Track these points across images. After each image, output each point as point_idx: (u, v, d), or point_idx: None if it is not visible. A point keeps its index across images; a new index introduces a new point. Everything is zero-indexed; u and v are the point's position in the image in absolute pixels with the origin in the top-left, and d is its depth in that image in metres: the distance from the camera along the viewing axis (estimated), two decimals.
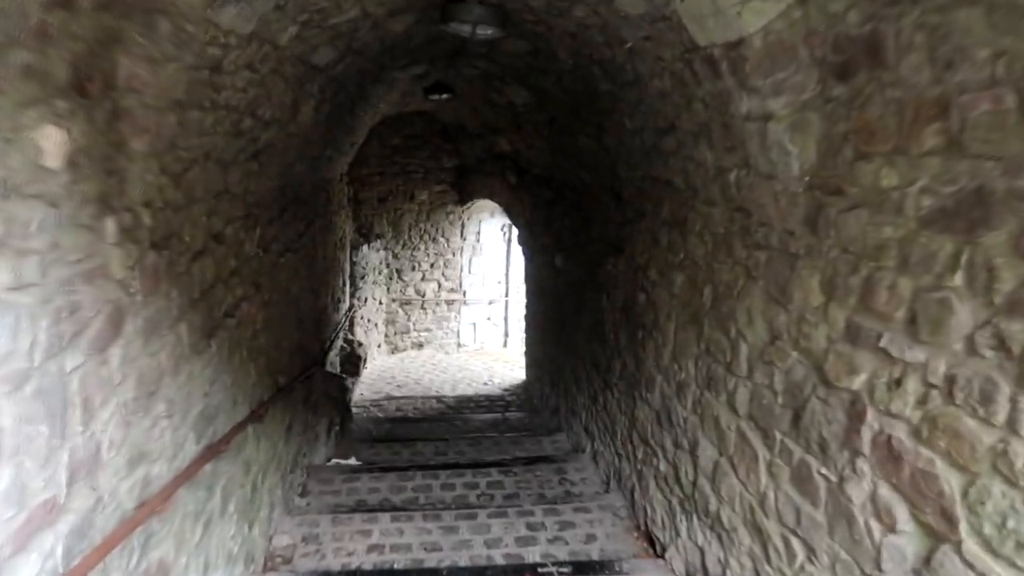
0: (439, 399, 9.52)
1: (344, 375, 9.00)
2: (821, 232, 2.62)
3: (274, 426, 4.80)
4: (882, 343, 2.27)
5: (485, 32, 4.34)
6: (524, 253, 10.21)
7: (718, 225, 3.57)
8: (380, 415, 8.84)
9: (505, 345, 13.43)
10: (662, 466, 4.42)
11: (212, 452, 3.31)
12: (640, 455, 4.87)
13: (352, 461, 6.45)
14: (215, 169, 3.39)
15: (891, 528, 2.23)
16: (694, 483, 3.88)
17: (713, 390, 3.60)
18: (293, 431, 5.52)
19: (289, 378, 5.36)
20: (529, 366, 10.22)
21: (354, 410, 8.86)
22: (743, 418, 3.26)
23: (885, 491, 2.26)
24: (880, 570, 2.28)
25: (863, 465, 2.37)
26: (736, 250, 3.35)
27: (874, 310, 2.32)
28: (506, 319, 13.43)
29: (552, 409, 8.28)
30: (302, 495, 5.63)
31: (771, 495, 2.99)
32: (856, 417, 2.41)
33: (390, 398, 9.58)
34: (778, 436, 2.93)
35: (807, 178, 2.70)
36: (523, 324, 10.45)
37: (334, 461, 6.44)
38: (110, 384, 2.28)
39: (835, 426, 2.53)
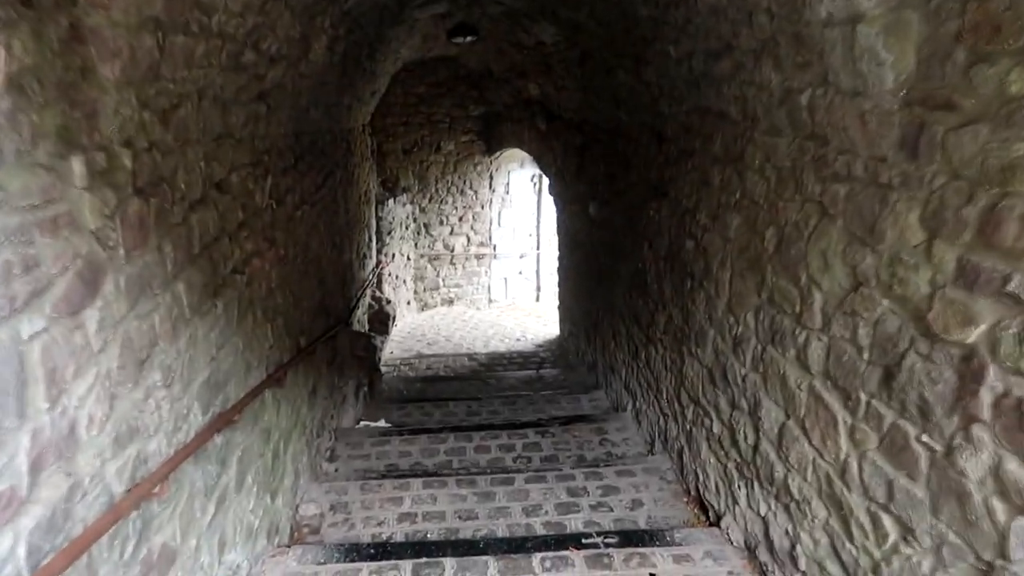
0: (471, 356, 9.22)
1: (372, 334, 8.72)
2: (923, 156, 2.17)
3: (296, 390, 4.51)
4: (1010, 287, 1.85)
5: None
6: (555, 203, 9.77)
7: (784, 158, 3.12)
8: (411, 374, 8.58)
9: (537, 300, 13.08)
10: (716, 427, 4.04)
11: (223, 422, 3.00)
12: (690, 415, 4.50)
13: (382, 423, 6.19)
14: (212, 108, 3.01)
15: (1023, 510, 1.83)
16: (755, 447, 3.50)
17: (778, 345, 3.19)
18: (318, 394, 5.24)
19: (311, 339, 5.05)
20: (563, 321, 9.86)
21: (383, 369, 8.61)
22: (817, 376, 2.85)
23: (1014, 465, 1.86)
24: (1006, 558, 1.89)
25: (981, 433, 1.97)
26: (808, 185, 2.90)
27: (998, 247, 1.89)
28: (538, 273, 13.04)
29: (589, 365, 7.93)
30: (330, 460, 5.37)
31: (854, 464, 2.60)
32: (971, 376, 2.00)
33: (420, 356, 9.31)
34: (863, 398, 2.52)
35: (904, 92, 2.24)
36: (556, 278, 10.06)
37: (363, 424, 6.18)
38: (87, 352, 1.95)
39: (941, 386, 2.12)
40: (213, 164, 3.08)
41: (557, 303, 10.15)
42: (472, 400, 7.00)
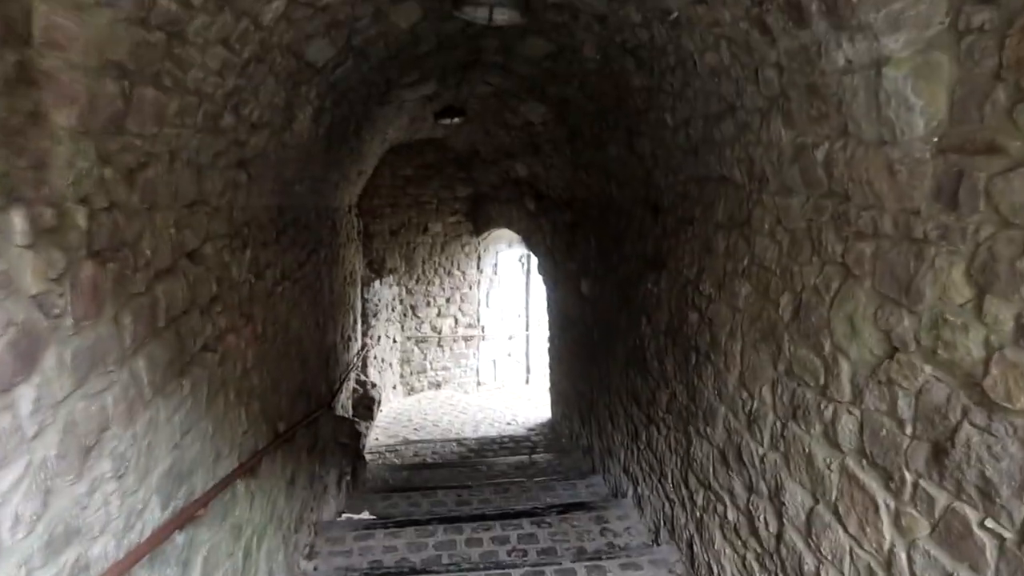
0: (459, 442, 8.82)
1: (356, 419, 8.34)
2: (964, 206, 1.97)
3: (273, 480, 4.15)
4: None
5: (503, 16, 3.77)
6: (545, 283, 9.60)
7: (797, 219, 2.93)
8: (396, 461, 8.15)
9: (527, 382, 12.74)
10: (731, 514, 3.71)
11: (186, 517, 2.66)
12: (700, 500, 4.17)
13: (365, 515, 5.76)
14: (186, 172, 2.80)
15: None
16: (778, 536, 3.17)
17: (801, 421, 2.92)
18: (297, 484, 4.86)
19: (291, 423, 4.72)
20: (555, 403, 9.52)
21: (368, 457, 8.18)
22: (850, 454, 2.58)
23: None
24: None
25: None
26: (827, 245, 2.70)
27: None
28: (527, 354, 12.75)
29: (584, 449, 7.56)
30: (309, 557, 4.94)
31: (901, 555, 2.30)
32: None
33: (407, 442, 8.90)
34: (909, 478, 2.24)
35: (937, 138, 2.07)
36: (547, 359, 9.78)
37: (345, 516, 5.75)
38: (17, 437, 1.65)
39: (1006, 463, 1.85)
40: (185, 231, 2.84)
41: (548, 385, 9.83)
42: (462, 488, 6.59)
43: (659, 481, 5.00)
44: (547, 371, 13.12)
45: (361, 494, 6.50)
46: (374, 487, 6.92)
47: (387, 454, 8.37)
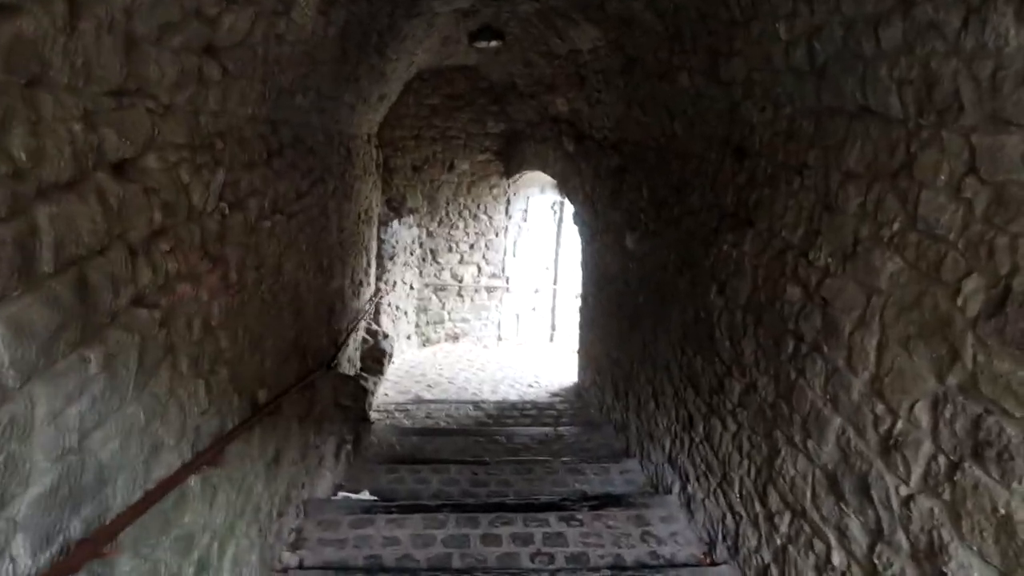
0: (476, 404, 8.00)
1: (364, 375, 7.52)
2: None
3: (247, 465, 3.31)
4: None
5: None
6: (581, 234, 8.63)
7: (1015, 165, 1.95)
8: (406, 423, 7.35)
9: (552, 340, 11.86)
10: (837, 558, 2.81)
11: (86, 554, 1.80)
12: (784, 527, 3.27)
13: (365, 495, 4.95)
14: (106, 40, 1.86)
15: None
16: None
17: (992, 465, 1.99)
18: (283, 461, 4.04)
19: (278, 390, 3.86)
20: (584, 367, 8.65)
21: (375, 416, 7.40)
22: None
23: None
24: None
25: None
26: None
27: None
28: (553, 310, 11.85)
29: (617, 425, 6.70)
30: (294, 547, 4.14)
31: None
32: None
33: (419, 401, 8.09)
34: None
35: None
36: (577, 317, 8.88)
37: (342, 494, 4.95)
38: None
39: None
40: (104, 131, 1.91)
41: (577, 346, 8.95)
42: (478, 464, 5.77)
43: (719, 486, 4.12)
44: (576, 331, 12.25)
45: (363, 464, 5.69)
46: (379, 454, 6.12)
47: (396, 413, 7.58)
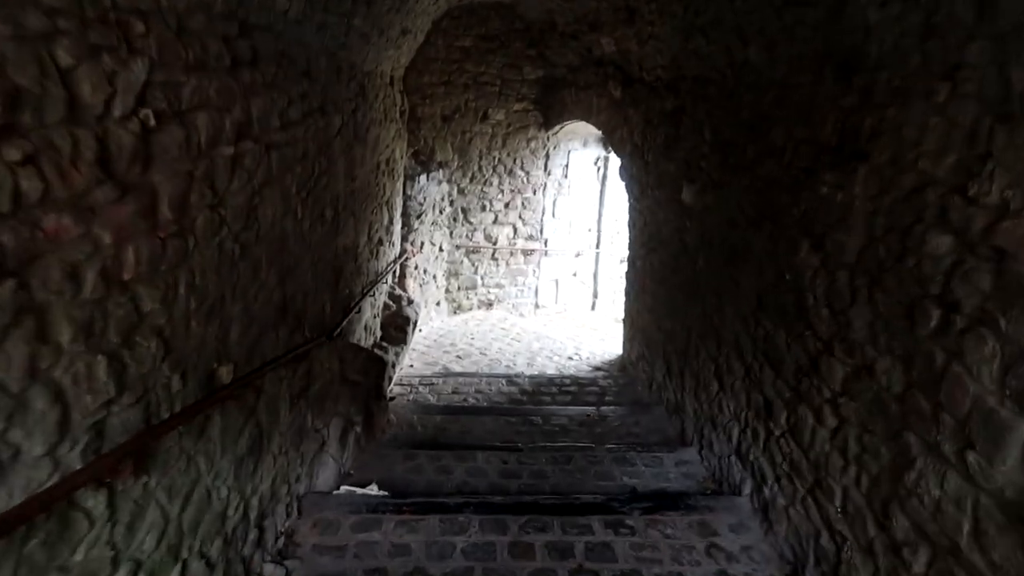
0: (510, 379, 7.18)
1: (384, 343, 6.75)
2: None
3: (201, 463, 2.52)
4: None
5: None
6: (628, 190, 7.69)
7: None
8: (431, 399, 6.57)
9: (593, 308, 10.98)
10: None
11: None
12: (922, 567, 2.39)
13: (372, 490, 4.18)
14: None
15: None
16: None
17: None
18: (266, 452, 3.26)
19: (251, 364, 3.07)
20: (630, 339, 7.77)
21: (396, 389, 6.64)
22: None
23: None
24: None
25: None
26: None
27: None
28: (596, 276, 10.94)
29: (671, 407, 5.83)
30: (281, 557, 3.39)
31: None
32: None
33: (447, 374, 7.29)
34: None
35: None
36: (623, 283, 7.98)
37: (345, 489, 4.18)
38: None
39: None
40: None
41: (623, 315, 8.06)
42: (509, 451, 4.96)
43: (810, 493, 3.24)
44: (621, 299, 11.35)
45: (376, 449, 4.93)
46: (396, 437, 5.35)
47: (421, 388, 6.80)
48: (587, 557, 3.50)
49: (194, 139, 2.39)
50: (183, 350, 2.36)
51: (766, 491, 3.76)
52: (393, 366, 6.64)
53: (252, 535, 3.13)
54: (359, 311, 5.44)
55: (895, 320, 2.59)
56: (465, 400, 6.57)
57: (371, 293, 6.12)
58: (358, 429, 4.66)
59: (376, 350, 6.29)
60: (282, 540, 3.51)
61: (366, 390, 4.90)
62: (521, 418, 5.91)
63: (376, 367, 5.27)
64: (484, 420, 5.85)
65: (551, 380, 7.25)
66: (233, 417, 2.86)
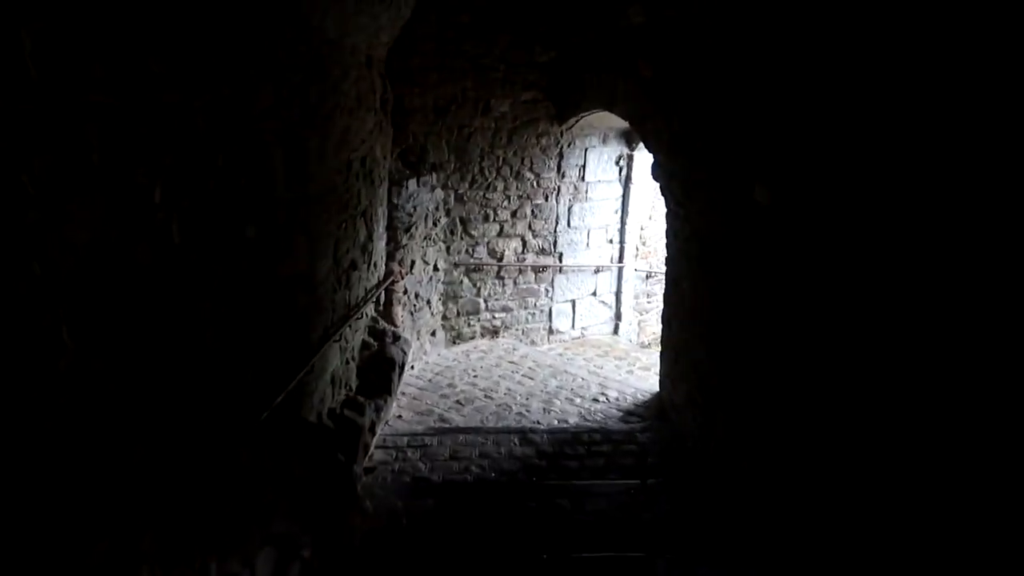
0: (524, 435, 5.63)
1: (360, 399, 5.19)
2: None
3: None
4: None
5: None
6: (666, 194, 6.18)
7: None
8: (423, 468, 5.02)
9: (616, 331, 9.43)
10: None
11: None
12: None
13: None
14: None
15: None
16: None
17: None
18: None
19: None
20: (672, 377, 6.23)
21: (378, 455, 5.11)
22: None
23: None
24: None
25: None
26: None
27: None
28: (618, 295, 9.39)
29: (748, 483, 4.28)
30: None
31: None
32: None
33: (443, 430, 5.73)
34: None
35: None
36: (664, 308, 6.46)
37: None
38: None
39: None
40: None
41: (662, 348, 6.54)
42: (530, 562, 3.42)
43: None
44: (648, 320, 9.83)
45: (340, 570, 3.38)
46: (372, 540, 3.81)
47: (409, 451, 5.25)
48: None
49: None
50: None
51: None
52: (372, 427, 5.10)
53: None
54: (311, 370, 3.89)
55: None
56: (467, 471, 5.02)
57: (337, 336, 4.57)
58: (306, 553, 3.11)
59: (347, 411, 4.75)
60: None
61: (322, 486, 3.36)
62: (543, 502, 4.37)
63: (343, 444, 3.73)
64: (492, 504, 4.30)
65: (576, 435, 5.70)
66: None
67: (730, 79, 4.55)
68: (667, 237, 6.36)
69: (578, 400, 6.78)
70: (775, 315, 3.94)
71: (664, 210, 9.33)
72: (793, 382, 3.71)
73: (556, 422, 6.22)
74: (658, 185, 6.40)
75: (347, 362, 5.20)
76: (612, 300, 9.41)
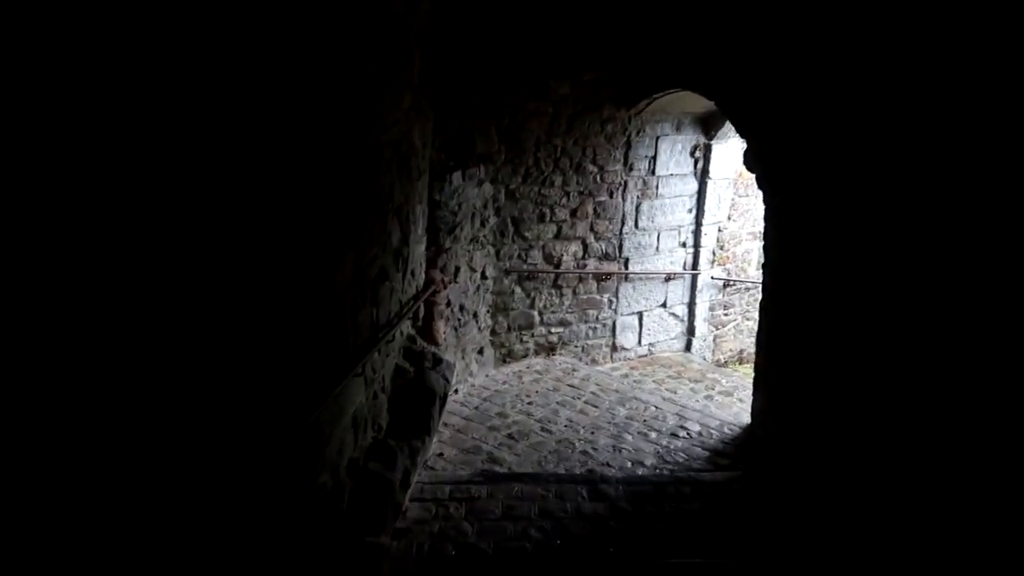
0: (594, 485, 4.55)
1: (392, 443, 4.17)
2: None
3: None
4: None
5: None
6: (768, 186, 5.06)
7: None
8: (467, 531, 3.98)
9: (688, 348, 8.30)
10: None
11: None
12: None
13: None
14: None
15: None
16: None
17: None
18: None
19: None
20: (774, 410, 5.11)
21: (414, 510, 4.11)
22: None
23: None
24: None
25: None
26: None
27: None
28: (691, 306, 8.25)
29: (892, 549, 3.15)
30: None
31: None
32: None
33: (492, 476, 4.68)
34: None
35: None
36: (760, 329, 5.34)
37: None
38: None
39: None
40: None
41: (756, 376, 5.42)
42: None
43: None
44: (723, 335, 8.67)
45: None
46: None
47: (451, 508, 4.21)
48: None
49: None
50: None
51: None
52: (406, 477, 4.09)
53: None
54: (314, 427, 2.87)
55: None
56: (525, 536, 3.96)
57: (359, 370, 3.56)
58: None
59: (372, 463, 3.75)
60: None
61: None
62: None
63: (365, 509, 2.72)
64: None
65: (658, 487, 4.59)
66: None
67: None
68: (765, 240, 5.22)
69: (653, 435, 5.66)
70: (910, 331, 2.81)
71: (747, 208, 8.13)
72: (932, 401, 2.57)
73: (629, 463, 5.12)
74: (755, 177, 5.28)
75: (375, 396, 4.19)
76: (684, 312, 8.27)
